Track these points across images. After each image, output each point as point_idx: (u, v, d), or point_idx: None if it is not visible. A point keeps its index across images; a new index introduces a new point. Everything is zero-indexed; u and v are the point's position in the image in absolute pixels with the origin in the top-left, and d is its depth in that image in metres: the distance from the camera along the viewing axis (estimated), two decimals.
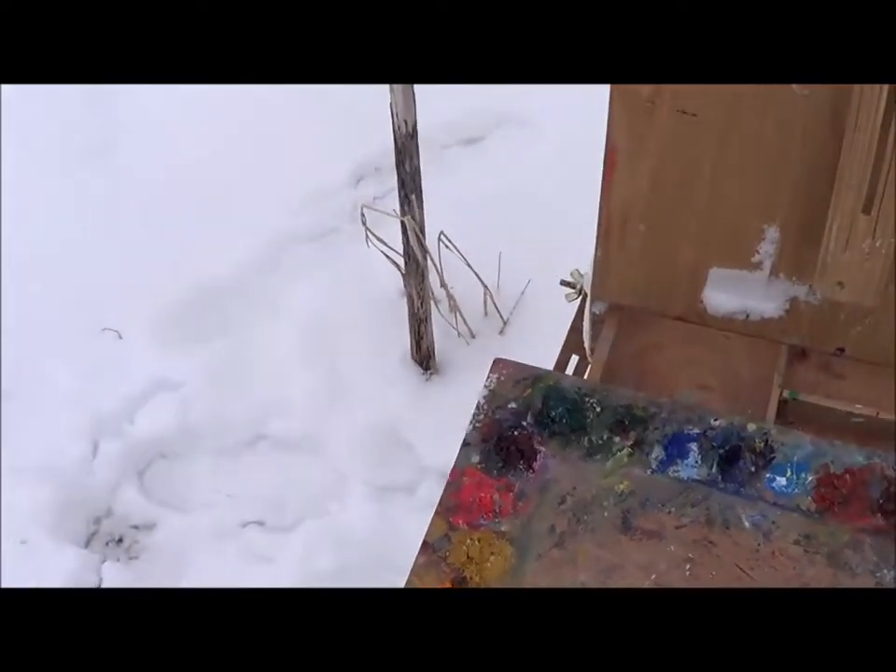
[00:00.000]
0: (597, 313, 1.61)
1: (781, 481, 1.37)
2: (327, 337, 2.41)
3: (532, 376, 1.47)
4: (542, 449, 1.40)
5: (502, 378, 1.47)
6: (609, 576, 1.31)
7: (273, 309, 2.49)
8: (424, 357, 2.33)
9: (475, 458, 1.40)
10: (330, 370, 2.38)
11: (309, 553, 2.18)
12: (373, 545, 2.13)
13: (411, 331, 2.29)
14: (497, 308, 2.42)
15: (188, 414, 2.33)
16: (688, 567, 1.31)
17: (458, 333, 2.39)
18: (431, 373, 2.36)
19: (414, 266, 2.19)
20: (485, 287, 2.38)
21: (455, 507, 1.36)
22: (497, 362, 1.48)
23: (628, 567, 1.32)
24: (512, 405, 1.44)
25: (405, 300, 2.28)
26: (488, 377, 1.47)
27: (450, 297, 2.34)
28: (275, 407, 2.36)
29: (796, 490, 1.36)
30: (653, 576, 1.31)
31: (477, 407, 1.44)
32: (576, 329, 1.65)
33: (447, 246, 2.30)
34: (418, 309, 2.24)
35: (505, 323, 2.44)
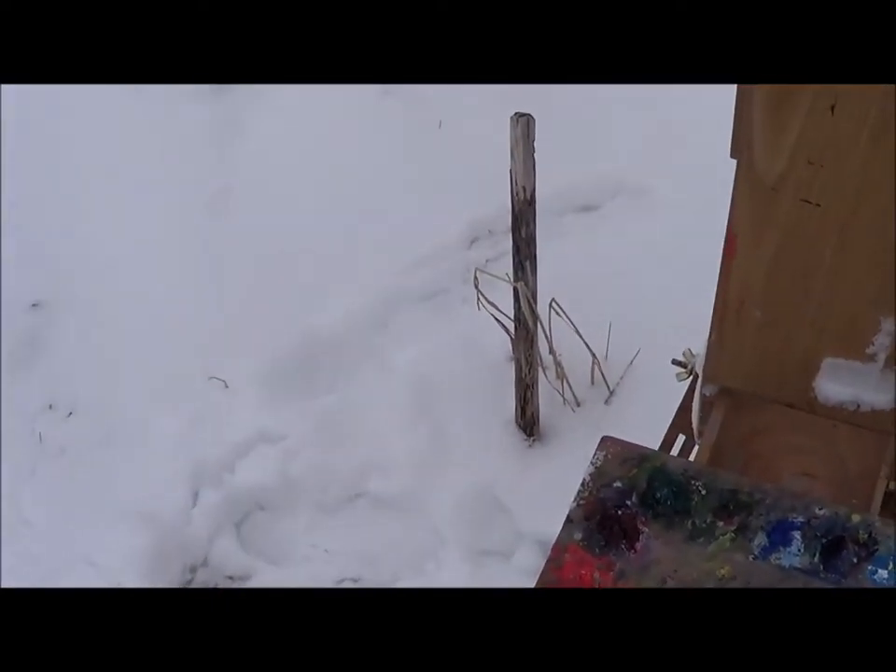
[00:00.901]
0: (707, 395, 1.60)
1: (883, 573, 1.34)
2: (433, 398, 2.44)
3: (639, 456, 1.47)
4: (645, 530, 1.40)
5: (609, 456, 1.47)
6: None
7: (381, 367, 2.52)
8: (528, 424, 2.34)
9: (577, 535, 1.40)
10: (434, 430, 2.40)
11: None
12: None
13: (517, 397, 2.31)
14: (604, 377, 2.42)
15: (289, 468, 2.36)
16: None
17: (564, 401, 2.39)
18: (535, 440, 2.36)
19: (524, 332, 2.20)
20: (594, 355, 2.39)
21: (556, 582, 1.36)
22: (605, 440, 1.49)
23: None
24: (618, 484, 1.44)
25: (513, 364, 2.29)
26: (595, 454, 1.47)
27: (558, 364, 2.34)
28: (377, 465, 2.39)
29: None
30: None
31: (582, 484, 1.44)
32: (685, 408, 1.65)
33: (558, 314, 2.31)
34: (525, 374, 2.25)
35: (611, 393, 2.43)
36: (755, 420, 1.59)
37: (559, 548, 1.39)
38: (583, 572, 1.36)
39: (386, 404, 2.44)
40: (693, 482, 1.44)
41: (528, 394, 2.28)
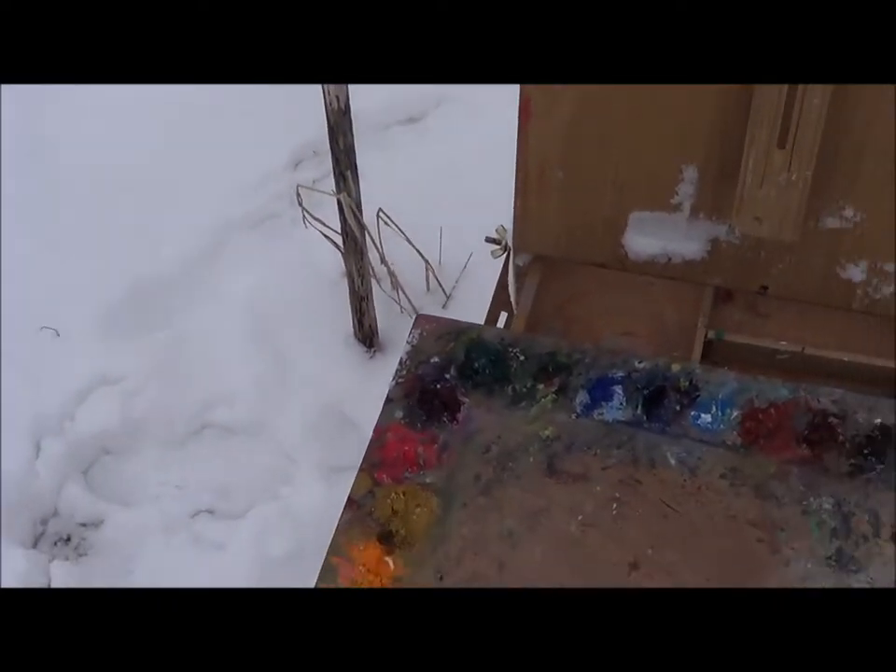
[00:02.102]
0: (521, 265, 1.60)
1: (706, 417, 1.36)
2: (271, 322, 2.39)
3: (455, 331, 1.46)
4: (466, 400, 1.39)
5: (425, 334, 1.46)
6: (536, 520, 1.30)
7: (216, 298, 2.46)
8: (367, 336, 2.31)
9: (398, 414, 1.39)
10: (275, 355, 2.36)
11: (261, 539, 2.15)
12: (326, 526, 2.09)
13: (352, 310, 2.28)
14: (439, 283, 2.40)
15: (130, 408, 2.29)
16: (615, 506, 1.30)
17: (401, 310, 2.37)
18: (375, 351, 2.34)
19: (353, 244, 2.17)
20: (427, 262, 2.36)
21: (380, 463, 1.35)
22: (419, 318, 1.47)
23: (554, 510, 1.31)
24: (435, 359, 1.43)
25: (346, 279, 2.26)
26: (410, 333, 1.46)
27: (391, 273, 2.32)
28: (221, 396, 2.33)
29: (721, 426, 1.36)
30: (580, 517, 1.30)
31: (400, 363, 1.43)
32: (503, 285, 1.64)
33: (387, 223, 2.28)
34: (359, 287, 2.22)
35: (448, 297, 2.42)
36: (570, 285, 1.59)
37: (381, 429, 1.37)
38: (406, 448, 1.35)
39: (225, 334, 2.38)
40: (510, 349, 1.44)
41: (363, 306, 2.25)
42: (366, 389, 2.25)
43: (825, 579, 1.25)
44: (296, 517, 2.17)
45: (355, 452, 2.22)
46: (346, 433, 2.26)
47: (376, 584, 1.26)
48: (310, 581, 1.28)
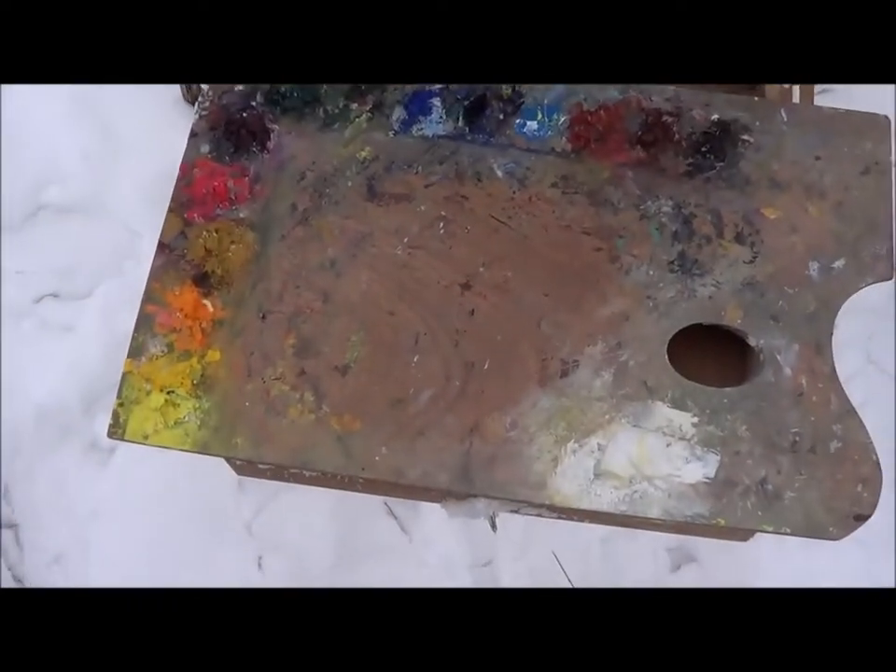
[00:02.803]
0: None
1: (532, 125, 1.28)
2: (88, 92, 2.23)
3: None
4: (275, 127, 1.29)
5: None
6: (359, 246, 1.23)
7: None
8: (195, 97, 2.17)
9: (204, 148, 1.29)
10: (102, 126, 2.21)
11: (109, 316, 2.06)
12: None
13: None
14: None
15: None
16: (441, 225, 1.23)
17: None
18: None
19: None
20: None
21: (189, 202, 1.26)
22: None
23: (378, 235, 1.23)
24: (240, 87, 1.31)
25: None
26: None
27: None
28: (51, 177, 2.19)
29: (549, 133, 1.28)
30: (406, 239, 1.23)
31: (202, 95, 1.31)
32: None
33: None
34: None
35: None
36: None
37: (187, 165, 1.27)
38: (216, 184, 1.26)
39: (45, 113, 2.22)
40: None
41: None
42: None
43: (669, 285, 1.20)
44: (142, 290, 2.08)
45: None
46: None
47: (195, 329, 1.19)
48: None
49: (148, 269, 2.08)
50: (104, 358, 2.02)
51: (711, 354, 1.26)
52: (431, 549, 1.84)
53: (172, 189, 2.05)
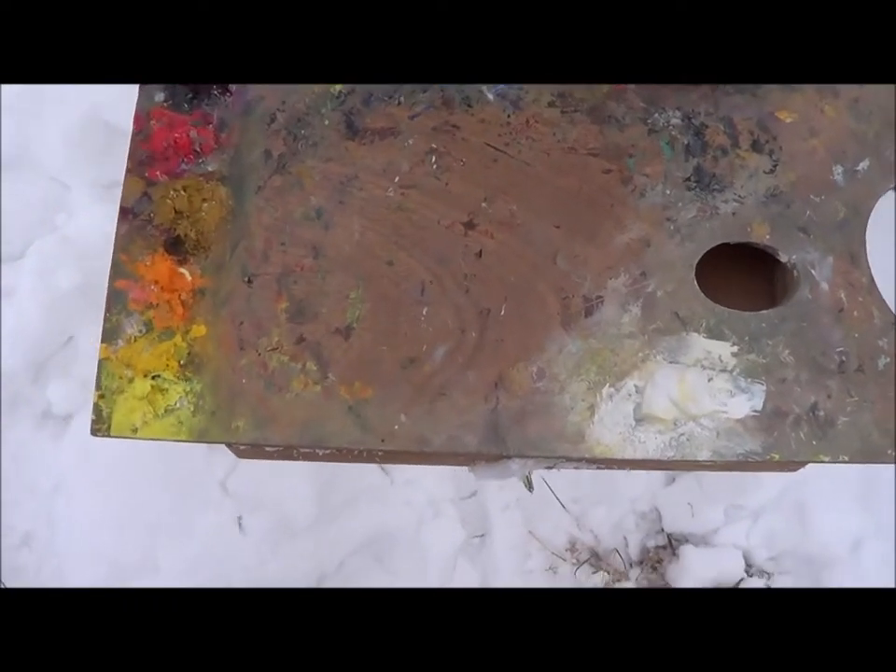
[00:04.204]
0: None
1: None
2: None
3: None
4: None
5: None
6: (345, 191, 1.10)
7: None
8: None
9: (159, 96, 1.14)
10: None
11: (46, 276, 1.91)
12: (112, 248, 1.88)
13: None
14: None
15: None
16: (433, 159, 1.11)
17: None
18: None
19: None
20: None
21: (149, 158, 1.12)
22: None
23: (364, 176, 1.11)
24: None
25: None
26: None
27: None
28: None
29: None
30: (396, 178, 1.11)
31: None
32: None
33: None
34: None
35: None
36: None
37: (141, 117, 1.13)
38: (177, 136, 1.12)
39: None
40: None
41: None
42: (124, 90, 1.95)
43: (688, 204, 1.10)
44: (78, 244, 1.94)
45: (124, 160, 1.98)
46: (114, 143, 1.99)
47: (175, 302, 1.06)
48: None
49: (83, 221, 1.96)
50: (46, 321, 1.89)
51: (736, 275, 1.17)
52: (415, 488, 1.76)
53: (99, 136, 1.91)
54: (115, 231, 1.09)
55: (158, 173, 1.10)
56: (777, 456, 1.03)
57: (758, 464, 1.04)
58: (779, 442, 1.04)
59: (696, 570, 1.80)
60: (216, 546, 1.78)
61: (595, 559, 1.70)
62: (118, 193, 1.93)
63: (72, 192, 1.98)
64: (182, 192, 1.09)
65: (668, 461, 1.03)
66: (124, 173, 1.10)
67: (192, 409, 1.04)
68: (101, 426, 1.04)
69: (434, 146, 1.11)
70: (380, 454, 1.20)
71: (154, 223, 1.09)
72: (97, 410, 1.04)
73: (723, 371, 1.05)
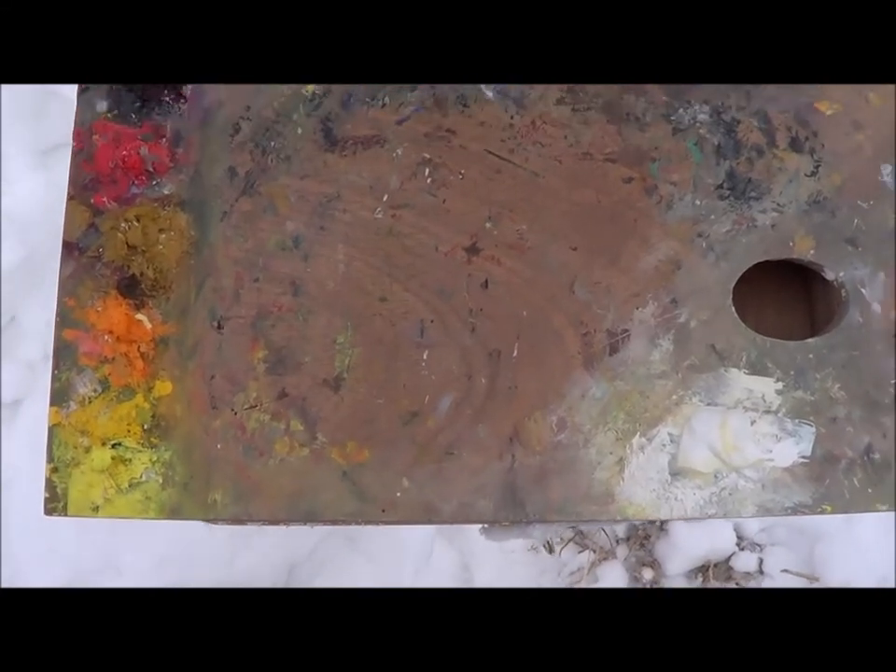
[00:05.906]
0: None
1: None
2: None
3: None
4: None
5: None
6: (326, 213, 0.95)
7: None
8: None
9: (101, 106, 0.97)
10: None
11: None
12: (53, 220, 1.71)
13: None
14: None
15: None
16: (427, 172, 0.96)
17: None
18: None
19: None
20: None
21: (93, 182, 0.95)
22: None
23: (348, 195, 0.95)
24: None
25: None
26: None
27: None
28: None
29: None
30: (385, 196, 0.95)
31: None
32: None
33: None
34: None
35: None
36: None
37: (82, 132, 0.96)
38: (125, 153, 0.95)
39: None
40: None
41: None
42: None
43: (722, 216, 0.95)
44: (18, 216, 1.78)
45: (65, 124, 1.79)
46: (49, 105, 1.81)
47: (133, 354, 0.91)
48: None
49: (22, 192, 1.78)
50: None
51: (769, 291, 1.04)
52: None
53: (35, 100, 1.72)
54: (59, 270, 0.93)
55: (105, 199, 0.94)
56: (829, 509, 0.91)
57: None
58: (831, 492, 0.92)
59: (686, 546, 1.71)
60: (182, 532, 1.68)
61: (580, 537, 1.60)
62: (56, 159, 1.77)
63: (8, 160, 1.81)
64: (135, 222, 0.93)
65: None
66: (65, 203, 0.94)
67: (161, 481, 0.90)
68: (55, 504, 0.89)
69: (427, 156, 0.96)
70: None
71: (104, 260, 0.93)
72: (50, 486, 0.89)
73: (767, 411, 0.92)
